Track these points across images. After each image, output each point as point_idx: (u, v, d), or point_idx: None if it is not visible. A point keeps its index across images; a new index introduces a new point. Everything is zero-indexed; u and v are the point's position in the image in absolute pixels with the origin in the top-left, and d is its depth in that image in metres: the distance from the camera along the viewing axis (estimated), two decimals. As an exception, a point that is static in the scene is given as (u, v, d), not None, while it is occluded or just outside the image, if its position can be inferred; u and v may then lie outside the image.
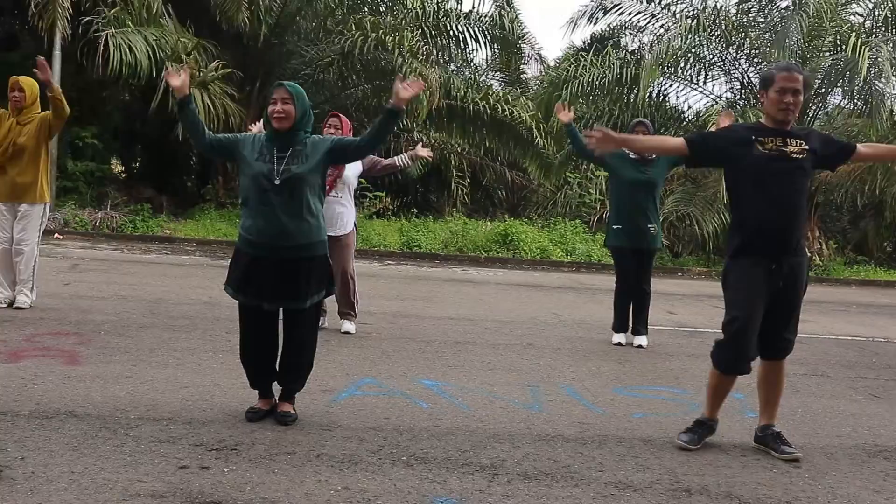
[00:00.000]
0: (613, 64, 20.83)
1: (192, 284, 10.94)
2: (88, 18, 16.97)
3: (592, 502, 4.13)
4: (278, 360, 5.23)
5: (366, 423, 5.15)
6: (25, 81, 8.10)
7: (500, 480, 4.32)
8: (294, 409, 5.16)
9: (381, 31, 18.83)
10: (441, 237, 18.97)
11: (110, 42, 16.11)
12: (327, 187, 7.06)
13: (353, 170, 8.00)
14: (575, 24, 23.62)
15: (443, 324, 9.13)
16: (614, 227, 8.47)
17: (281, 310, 5.10)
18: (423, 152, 8.42)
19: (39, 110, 8.18)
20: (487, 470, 4.47)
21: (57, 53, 17.19)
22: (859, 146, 5.28)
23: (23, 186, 8.04)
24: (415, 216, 21.33)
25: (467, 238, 18.93)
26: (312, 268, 5.01)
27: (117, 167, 25.74)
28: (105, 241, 16.36)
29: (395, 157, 8.48)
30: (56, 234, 15.97)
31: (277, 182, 4.86)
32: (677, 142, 5.25)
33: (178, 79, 5.01)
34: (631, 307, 8.50)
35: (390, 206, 22.38)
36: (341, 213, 7.85)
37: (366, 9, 21.97)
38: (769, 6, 21.19)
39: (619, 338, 8.52)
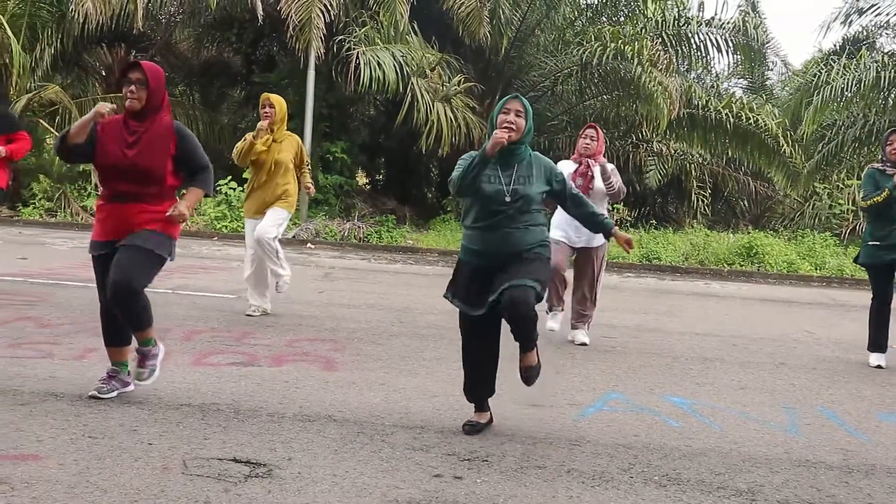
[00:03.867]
0: (869, 67, 19.68)
1: (436, 294, 11.06)
2: (341, 37, 17.83)
3: (862, 536, 3.89)
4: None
5: (615, 440, 5.08)
6: (276, 98, 8.56)
7: (758, 507, 4.15)
8: (538, 359, 5.05)
9: (620, 41, 18.68)
10: (681, 249, 18.53)
11: (361, 59, 16.83)
12: None
13: (601, 183, 7.94)
14: (827, 28, 22.56)
15: (688, 339, 8.90)
16: (870, 243, 7.98)
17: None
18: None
19: (286, 128, 8.69)
20: (745, 495, 4.29)
21: (311, 72, 18.19)
22: None
23: (274, 200, 8.48)
24: (653, 227, 20.95)
25: (709, 250, 18.40)
26: (530, 259, 4.95)
27: (362, 179, 26.84)
28: (353, 250, 17.12)
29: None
30: (308, 244, 16.84)
31: (508, 200, 4.90)
32: None
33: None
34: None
35: (628, 218, 22.09)
36: None
37: (605, 19, 21.88)
38: None
39: (876, 359, 7.99)
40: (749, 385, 6.88)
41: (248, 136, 8.36)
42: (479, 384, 5.22)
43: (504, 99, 5.04)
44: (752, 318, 11.03)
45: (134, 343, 5.29)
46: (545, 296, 5.14)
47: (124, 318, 5.14)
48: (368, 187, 26.15)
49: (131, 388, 5.38)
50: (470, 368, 5.21)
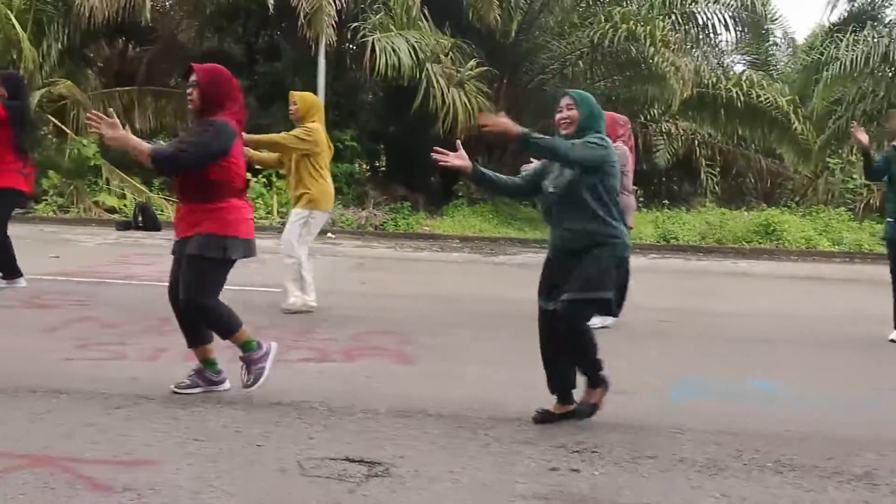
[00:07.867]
0: (876, 42, 19.69)
1: (475, 282, 11.20)
2: (355, 25, 17.72)
3: None
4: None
5: (713, 427, 5.00)
6: (298, 95, 8.29)
7: (882, 491, 4.11)
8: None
9: (631, 22, 18.57)
10: (697, 228, 18.48)
11: (376, 46, 16.75)
12: None
13: None
14: (834, 4, 22.55)
15: (745, 321, 8.87)
16: (889, 219, 7.94)
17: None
18: None
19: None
20: (863, 479, 4.25)
21: (321, 60, 18.03)
22: None
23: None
24: (666, 207, 20.86)
25: (725, 229, 18.33)
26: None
27: (364, 167, 26.62)
28: (374, 238, 17.02)
29: None
30: (328, 234, 16.74)
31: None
32: None
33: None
34: None
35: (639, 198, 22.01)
36: None
37: (610, -1, 21.81)
38: None
39: None
40: (828, 366, 6.88)
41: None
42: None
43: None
44: (792, 296, 11.01)
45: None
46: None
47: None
48: (368, 174, 25.94)
49: (226, 386, 5.34)
50: None
